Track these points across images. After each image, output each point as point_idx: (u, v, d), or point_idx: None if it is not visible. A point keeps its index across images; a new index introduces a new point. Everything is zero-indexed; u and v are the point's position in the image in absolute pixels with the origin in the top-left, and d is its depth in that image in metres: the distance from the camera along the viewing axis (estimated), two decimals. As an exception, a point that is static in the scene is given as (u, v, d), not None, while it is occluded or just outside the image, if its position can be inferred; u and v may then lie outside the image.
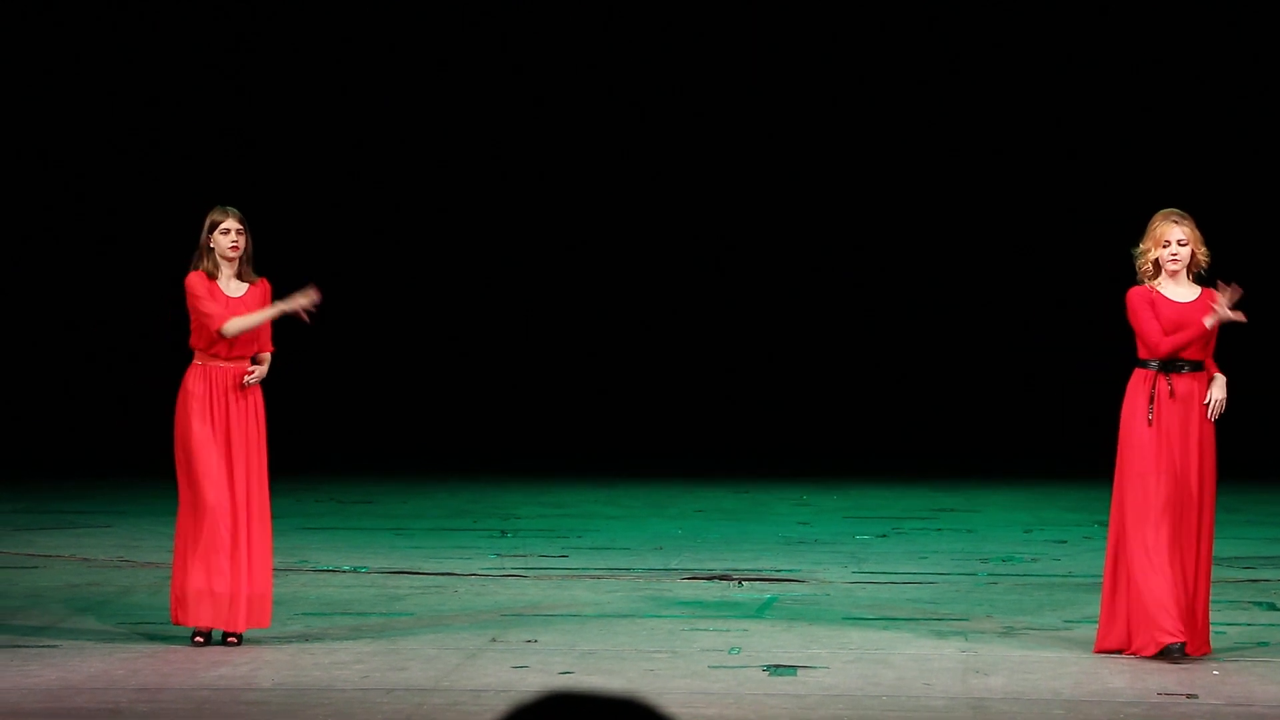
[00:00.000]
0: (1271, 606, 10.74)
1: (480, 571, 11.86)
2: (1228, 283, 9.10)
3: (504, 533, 13.75)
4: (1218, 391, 9.15)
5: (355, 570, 11.90)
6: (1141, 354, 9.22)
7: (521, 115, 18.98)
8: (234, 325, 9.33)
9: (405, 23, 18.76)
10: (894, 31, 18.64)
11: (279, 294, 9.60)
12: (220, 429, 9.31)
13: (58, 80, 18.50)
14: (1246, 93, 18.29)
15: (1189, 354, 9.19)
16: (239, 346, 9.41)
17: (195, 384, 9.37)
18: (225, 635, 9.38)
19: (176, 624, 9.43)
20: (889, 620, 10.23)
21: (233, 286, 9.43)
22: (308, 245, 18.62)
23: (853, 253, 19.18)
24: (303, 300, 9.42)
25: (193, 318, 9.42)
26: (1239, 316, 9.09)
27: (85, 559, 12.31)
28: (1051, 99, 18.51)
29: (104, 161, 18.55)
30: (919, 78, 18.69)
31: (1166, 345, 9.11)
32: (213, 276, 9.42)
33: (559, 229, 19.26)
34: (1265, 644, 9.62)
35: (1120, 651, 9.18)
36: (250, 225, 9.54)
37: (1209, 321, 9.09)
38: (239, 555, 9.31)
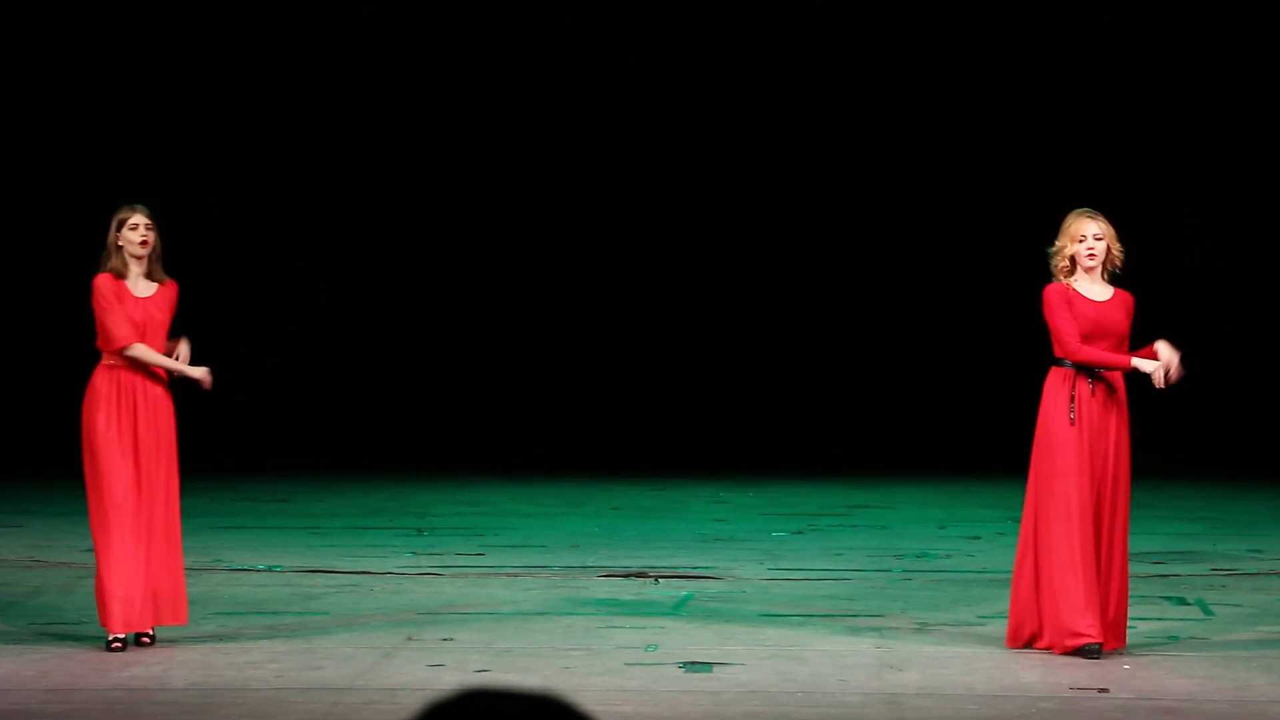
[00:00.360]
0: (1181, 601, 10.84)
1: (396, 570, 11.82)
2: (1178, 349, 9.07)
3: (420, 531, 13.72)
4: (1166, 353, 9.07)
5: (269, 569, 11.84)
6: (1057, 352, 9.22)
7: (522, 115, 18.92)
8: (139, 352, 9.24)
9: (405, 23, 18.72)
10: (894, 31, 18.66)
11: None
12: (128, 428, 9.23)
13: (58, 80, 18.39)
14: (1246, 93, 18.39)
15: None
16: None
17: (102, 383, 9.29)
18: (139, 635, 9.30)
19: (104, 626, 9.31)
20: (804, 617, 10.27)
21: (141, 286, 9.33)
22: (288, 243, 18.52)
23: (776, 254, 19.22)
24: (200, 375, 9.35)
25: (98, 320, 9.33)
26: (1158, 377, 9.05)
27: (-4, 559, 12.20)
28: (1050, 98, 18.54)
29: (103, 162, 18.41)
30: (919, 78, 18.73)
31: (1083, 355, 9.10)
32: (121, 276, 9.32)
33: (480, 229, 19.23)
34: (1175, 638, 9.70)
35: (1031, 646, 9.24)
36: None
37: (1146, 367, 9.05)
38: (150, 554, 9.22)
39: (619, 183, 19.13)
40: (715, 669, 8.92)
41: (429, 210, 19.15)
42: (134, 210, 9.35)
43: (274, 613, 10.32)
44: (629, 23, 18.77)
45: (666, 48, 18.80)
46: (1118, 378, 9.21)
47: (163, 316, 9.31)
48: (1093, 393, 9.13)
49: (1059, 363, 9.23)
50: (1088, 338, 9.14)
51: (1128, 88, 18.45)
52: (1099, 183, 17.91)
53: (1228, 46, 18.26)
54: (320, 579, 11.48)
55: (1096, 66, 18.46)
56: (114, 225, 9.34)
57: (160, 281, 9.37)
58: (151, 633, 9.32)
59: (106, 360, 9.33)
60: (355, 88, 18.75)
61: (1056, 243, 9.24)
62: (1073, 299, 9.15)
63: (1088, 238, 9.17)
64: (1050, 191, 18.27)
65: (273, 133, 18.77)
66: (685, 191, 19.12)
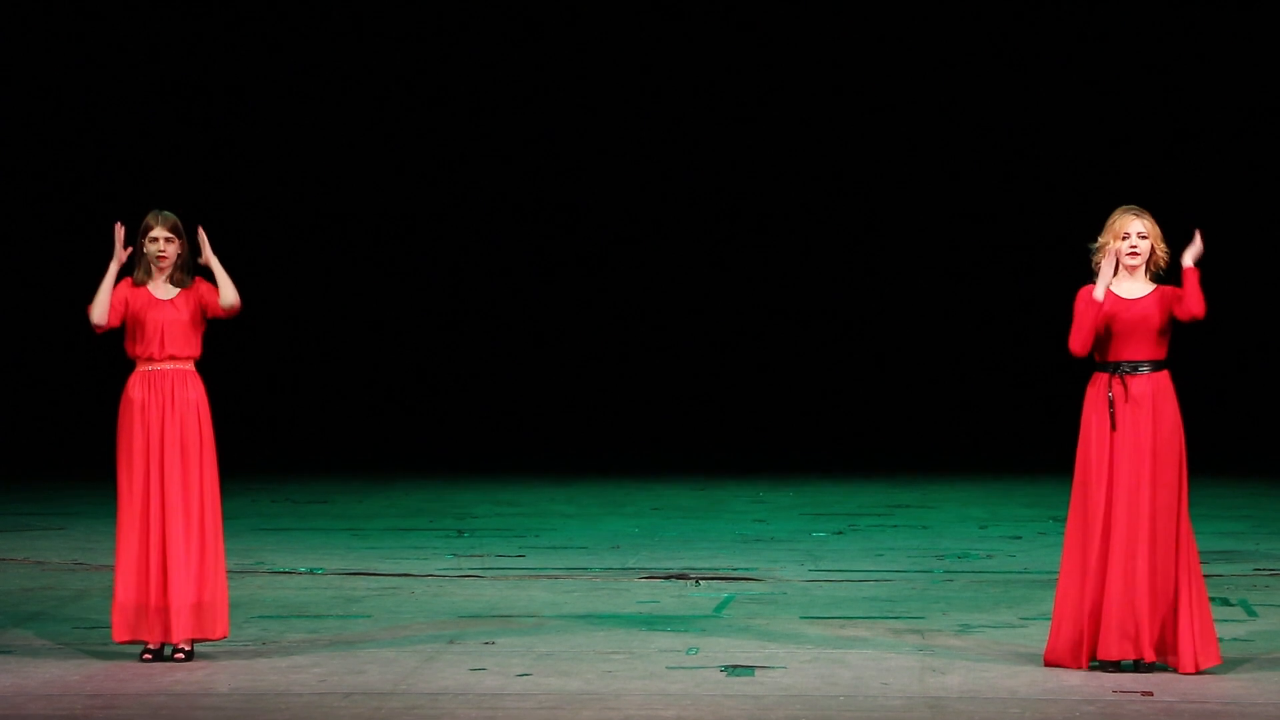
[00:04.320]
0: (1225, 601, 10.79)
1: (437, 572, 11.85)
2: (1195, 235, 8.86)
3: (460, 532, 13.74)
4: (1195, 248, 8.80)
5: (311, 572, 11.88)
6: (1095, 356, 9.04)
7: (558, 108, 18.94)
8: (94, 309, 9.25)
9: (405, 23, 18.76)
10: (892, 33, 18.61)
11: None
12: (158, 434, 9.20)
13: (57, 79, 18.46)
14: (1245, 96, 18.30)
15: (1143, 354, 9.03)
16: (170, 347, 9.30)
17: (134, 390, 9.29)
18: (173, 650, 9.22)
19: (118, 642, 9.28)
20: (846, 619, 10.26)
21: (162, 290, 9.35)
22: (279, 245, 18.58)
23: (815, 251, 19.20)
24: (119, 245, 9.28)
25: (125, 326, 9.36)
26: (1198, 247, 8.80)
27: (39, 562, 12.25)
28: (1046, 96, 18.49)
29: (101, 161, 18.49)
30: (911, 79, 18.69)
31: (1074, 346, 8.88)
32: (141, 283, 9.34)
33: (518, 227, 19.26)
34: (1219, 640, 9.65)
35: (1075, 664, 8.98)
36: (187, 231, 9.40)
37: (1189, 260, 8.75)
38: (175, 565, 9.11)
39: (655, 176, 19.13)
40: (757, 672, 8.92)
41: (468, 202, 19.18)
42: (157, 220, 9.34)
43: (316, 616, 10.35)
44: (628, 23, 18.75)
45: (661, 46, 18.77)
46: (1160, 379, 8.96)
47: (183, 317, 9.29)
48: (1126, 397, 8.91)
49: (1099, 367, 9.02)
50: (1116, 336, 8.93)
51: (1123, 87, 18.36)
52: (1145, 175, 17.83)
53: (1225, 48, 18.16)
54: (362, 581, 11.51)
55: (1093, 65, 18.36)
56: (140, 231, 9.36)
57: (184, 286, 9.35)
58: (188, 648, 9.22)
59: (140, 366, 9.33)
60: (354, 88, 18.78)
61: (1099, 239, 8.96)
62: (1103, 299, 8.90)
63: (1131, 235, 8.92)
64: (1093, 182, 18.24)
65: (296, 124, 18.81)
66: (722, 185, 19.11)
